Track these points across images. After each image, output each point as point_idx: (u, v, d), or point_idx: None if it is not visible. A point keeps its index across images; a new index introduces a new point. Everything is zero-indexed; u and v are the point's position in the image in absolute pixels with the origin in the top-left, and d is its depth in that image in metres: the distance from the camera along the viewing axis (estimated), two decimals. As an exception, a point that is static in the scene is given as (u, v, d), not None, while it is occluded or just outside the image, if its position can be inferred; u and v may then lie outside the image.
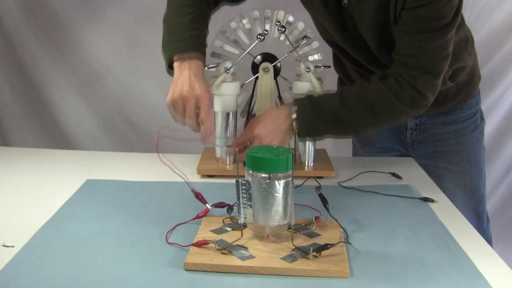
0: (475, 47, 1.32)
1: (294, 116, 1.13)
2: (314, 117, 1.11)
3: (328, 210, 0.99)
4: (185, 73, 1.07)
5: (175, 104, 1.08)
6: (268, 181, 0.85)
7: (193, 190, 1.00)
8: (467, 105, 1.33)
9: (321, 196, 1.02)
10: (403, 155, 1.45)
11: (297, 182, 1.12)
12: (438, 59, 1.08)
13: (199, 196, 1.00)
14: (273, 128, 1.12)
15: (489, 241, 1.47)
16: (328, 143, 1.43)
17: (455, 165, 1.35)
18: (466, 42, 1.26)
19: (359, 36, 1.16)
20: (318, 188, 1.05)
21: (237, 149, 1.14)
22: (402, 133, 1.40)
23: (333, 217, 0.96)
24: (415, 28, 1.05)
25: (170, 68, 1.12)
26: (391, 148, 1.44)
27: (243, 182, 0.86)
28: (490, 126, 1.87)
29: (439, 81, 1.10)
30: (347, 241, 0.90)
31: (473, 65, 1.30)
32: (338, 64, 1.37)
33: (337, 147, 1.75)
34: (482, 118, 1.37)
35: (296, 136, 1.18)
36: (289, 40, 1.23)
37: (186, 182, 0.98)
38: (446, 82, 1.22)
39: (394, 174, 1.23)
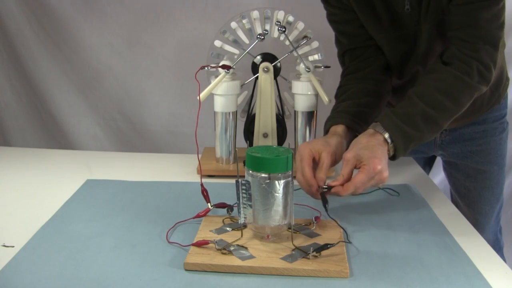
0: (504, 46, 1.24)
1: (387, 135, 1.00)
2: (407, 128, 1.01)
3: (327, 210, 0.95)
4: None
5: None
6: (268, 181, 0.85)
7: (202, 185, 1.00)
8: (498, 106, 1.32)
9: (323, 197, 1.00)
10: (426, 156, 1.46)
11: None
12: (494, 28, 1.05)
13: (204, 193, 0.99)
14: (384, 155, 0.98)
15: (501, 248, 1.47)
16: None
17: (484, 165, 1.34)
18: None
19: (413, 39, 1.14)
20: (321, 188, 1.04)
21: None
22: None
23: (331, 218, 0.96)
24: None
25: None
26: (416, 149, 1.42)
27: (243, 182, 0.86)
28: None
29: (498, 54, 1.07)
30: (347, 241, 0.90)
31: (502, 65, 1.26)
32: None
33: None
34: (507, 122, 1.36)
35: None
36: (289, 40, 1.23)
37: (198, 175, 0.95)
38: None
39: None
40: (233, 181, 0.88)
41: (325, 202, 0.95)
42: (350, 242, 0.90)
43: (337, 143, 1.04)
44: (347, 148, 1.01)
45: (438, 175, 1.84)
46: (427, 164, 1.52)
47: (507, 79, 1.32)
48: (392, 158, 1.02)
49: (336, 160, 1.03)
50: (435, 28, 1.12)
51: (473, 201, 1.38)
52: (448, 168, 1.43)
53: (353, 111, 1.11)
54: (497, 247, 1.45)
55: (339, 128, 1.08)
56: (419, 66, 1.18)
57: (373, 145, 0.97)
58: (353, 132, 1.10)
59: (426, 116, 1.02)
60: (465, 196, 1.40)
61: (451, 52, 1.06)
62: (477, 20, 1.04)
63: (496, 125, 1.33)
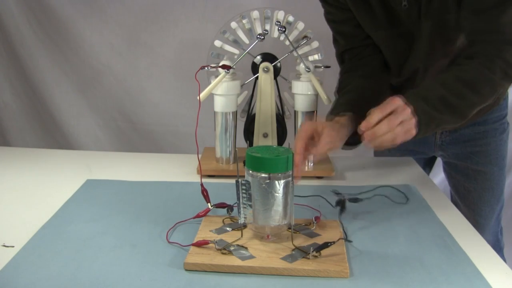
0: None
1: (412, 108, 0.98)
2: (428, 108, 1.00)
3: (340, 215, 0.97)
4: None
5: None
6: (268, 181, 0.85)
7: (202, 185, 1.00)
8: (498, 107, 1.32)
9: (342, 205, 0.99)
10: (427, 156, 1.45)
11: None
12: None
13: (204, 193, 0.99)
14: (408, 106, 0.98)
15: (501, 249, 1.47)
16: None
17: (484, 166, 1.34)
18: None
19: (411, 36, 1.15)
20: (337, 193, 1.04)
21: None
22: (431, 135, 1.38)
23: (340, 221, 0.96)
24: (489, 3, 1.02)
25: None
26: (416, 150, 1.43)
27: (243, 182, 0.86)
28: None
29: None
30: (347, 240, 0.90)
31: None
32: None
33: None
34: (508, 123, 1.36)
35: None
36: (289, 40, 1.23)
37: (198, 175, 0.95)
38: None
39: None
40: (233, 181, 0.88)
41: (342, 210, 0.97)
42: (350, 241, 0.90)
43: (340, 127, 1.05)
44: (349, 135, 1.04)
45: (438, 176, 1.84)
46: (427, 165, 1.52)
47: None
48: (416, 135, 1.00)
49: (335, 142, 1.03)
50: (437, 27, 1.12)
51: (473, 202, 1.38)
52: (448, 169, 1.43)
53: (355, 104, 1.12)
54: (498, 248, 1.44)
55: (342, 119, 1.08)
56: (419, 64, 1.18)
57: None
58: (355, 123, 1.08)
59: (446, 100, 1.01)
60: (465, 197, 1.40)
61: (475, 49, 1.07)
62: (498, 25, 1.04)
63: (496, 126, 1.33)
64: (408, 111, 0.96)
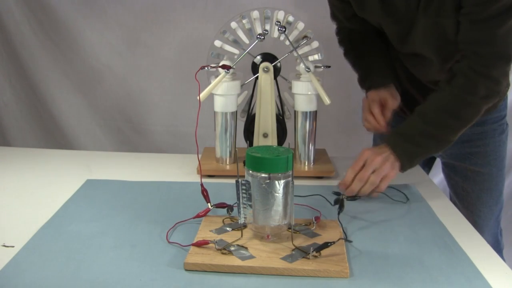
0: None
1: (392, 151, 1.10)
2: (407, 144, 1.11)
3: (338, 213, 0.97)
4: None
5: None
6: (268, 181, 0.85)
7: (202, 185, 1.00)
8: (494, 110, 1.31)
9: (341, 203, 0.99)
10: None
11: (297, 182, 1.12)
12: (510, 42, 1.05)
13: (204, 193, 0.99)
14: (380, 152, 1.11)
15: (501, 250, 1.47)
16: (328, 143, 1.44)
17: (482, 167, 1.34)
18: None
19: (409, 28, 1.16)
20: (336, 193, 1.04)
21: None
22: None
23: (340, 222, 0.96)
24: (485, 15, 1.02)
25: None
26: None
27: (243, 182, 0.86)
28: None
29: (510, 66, 1.08)
30: (347, 240, 0.90)
31: None
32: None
33: (337, 147, 1.75)
34: (507, 124, 1.36)
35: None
36: (289, 40, 1.23)
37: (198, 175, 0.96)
38: None
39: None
40: (233, 181, 0.88)
41: (341, 208, 0.98)
42: (350, 241, 0.90)
43: (394, 91, 1.23)
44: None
45: (438, 175, 1.84)
46: (426, 165, 1.52)
47: (508, 85, 1.31)
48: (401, 170, 1.12)
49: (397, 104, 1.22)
50: (433, 27, 1.11)
51: (471, 203, 1.37)
52: (446, 170, 1.43)
53: (386, 67, 1.27)
54: (497, 249, 1.44)
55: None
56: (419, 51, 1.20)
57: (381, 151, 1.11)
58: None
59: (427, 134, 1.10)
60: (463, 199, 1.39)
61: (460, 66, 1.08)
62: (493, 37, 1.04)
63: (495, 127, 1.32)
64: (378, 160, 1.08)
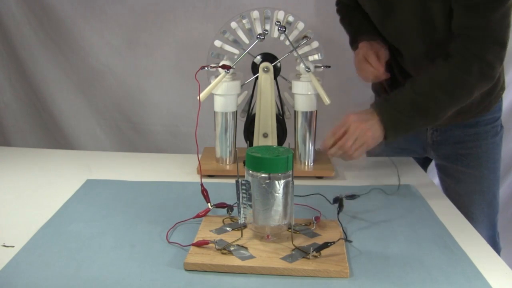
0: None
1: (380, 117, 1.11)
2: (394, 112, 1.10)
3: (338, 214, 0.97)
4: None
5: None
6: (268, 181, 0.85)
7: (202, 185, 1.00)
8: (486, 113, 1.31)
9: (340, 203, 0.99)
10: (420, 157, 1.45)
11: (297, 182, 1.12)
12: (504, 28, 1.06)
13: (204, 193, 0.99)
14: (366, 118, 1.10)
15: (498, 252, 1.46)
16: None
17: (474, 169, 1.33)
18: None
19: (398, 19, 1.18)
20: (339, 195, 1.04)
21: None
22: (422, 133, 1.38)
23: (340, 222, 0.96)
24: (479, 0, 1.03)
25: None
26: (408, 148, 1.43)
27: (243, 182, 0.86)
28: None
29: (505, 52, 1.08)
30: (347, 240, 0.90)
31: (499, 73, 1.25)
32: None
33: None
34: (501, 126, 1.35)
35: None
36: (289, 40, 1.23)
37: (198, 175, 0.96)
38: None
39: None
40: (233, 181, 0.88)
41: (340, 208, 0.98)
42: (350, 241, 0.90)
43: (384, 46, 1.24)
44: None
45: (437, 176, 1.84)
46: (422, 167, 1.51)
47: (502, 88, 1.31)
48: (385, 138, 1.11)
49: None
50: (419, 10, 1.12)
51: (464, 205, 1.35)
52: (439, 173, 1.43)
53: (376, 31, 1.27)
54: (495, 251, 1.43)
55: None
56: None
57: (360, 112, 1.12)
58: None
59: (414, 103, 1.09)
60: (456, 201, 1.37)
61: (456, 46, 1.08)
62: (488, 21, 1.04)
63: (488, 129, 1.31)
64: (361, 128, 1.08)
